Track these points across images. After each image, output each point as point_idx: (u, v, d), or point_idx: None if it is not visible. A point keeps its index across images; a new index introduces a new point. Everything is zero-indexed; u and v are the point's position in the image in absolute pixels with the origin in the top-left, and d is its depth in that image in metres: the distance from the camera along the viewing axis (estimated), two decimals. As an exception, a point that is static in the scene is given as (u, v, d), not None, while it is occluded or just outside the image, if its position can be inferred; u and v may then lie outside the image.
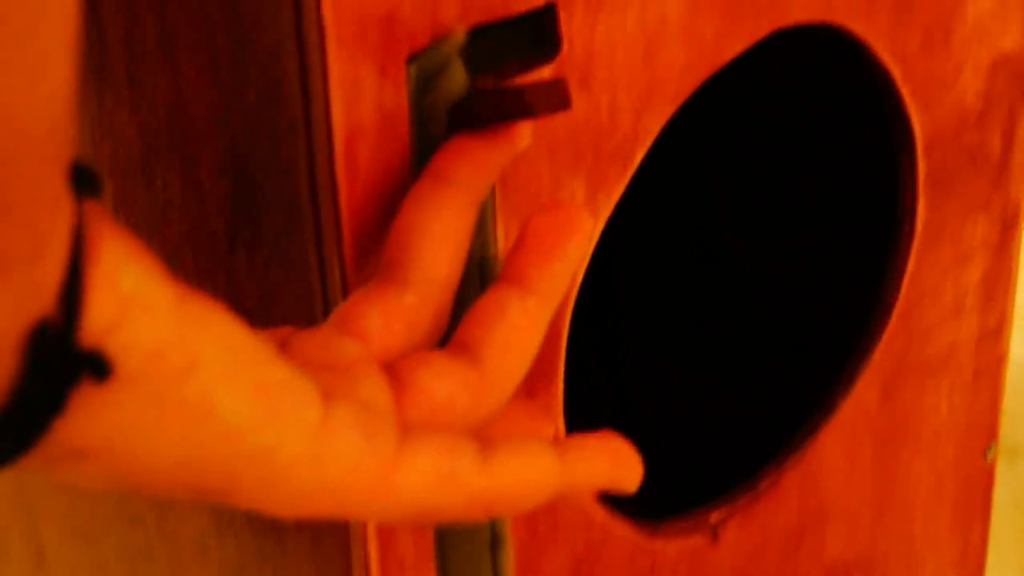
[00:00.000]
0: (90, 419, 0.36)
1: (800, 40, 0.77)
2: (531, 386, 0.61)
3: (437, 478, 0.44)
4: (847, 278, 0.81)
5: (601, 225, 0.60)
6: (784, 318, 0.86)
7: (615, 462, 0.48)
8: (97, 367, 0.35)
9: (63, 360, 0.34)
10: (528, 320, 0.49)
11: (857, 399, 0.76)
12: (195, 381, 0.37)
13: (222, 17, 0.52)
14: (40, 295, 0.33)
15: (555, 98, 0.50)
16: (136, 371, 0.36)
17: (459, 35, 0.52)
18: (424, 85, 0.52)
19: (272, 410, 0.39)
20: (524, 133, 0.51)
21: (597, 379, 0.98)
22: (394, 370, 0.47)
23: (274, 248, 0.55)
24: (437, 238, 0.49)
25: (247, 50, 0.52)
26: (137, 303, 0.35)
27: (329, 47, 0.49)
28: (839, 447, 0.76)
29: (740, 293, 0.89)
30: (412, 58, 0.51)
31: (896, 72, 0.68)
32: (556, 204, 0.50)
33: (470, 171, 0.51)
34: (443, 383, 0.46)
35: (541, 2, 0.54)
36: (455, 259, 0.50)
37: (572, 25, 0.55)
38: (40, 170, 0.31)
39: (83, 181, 0.35)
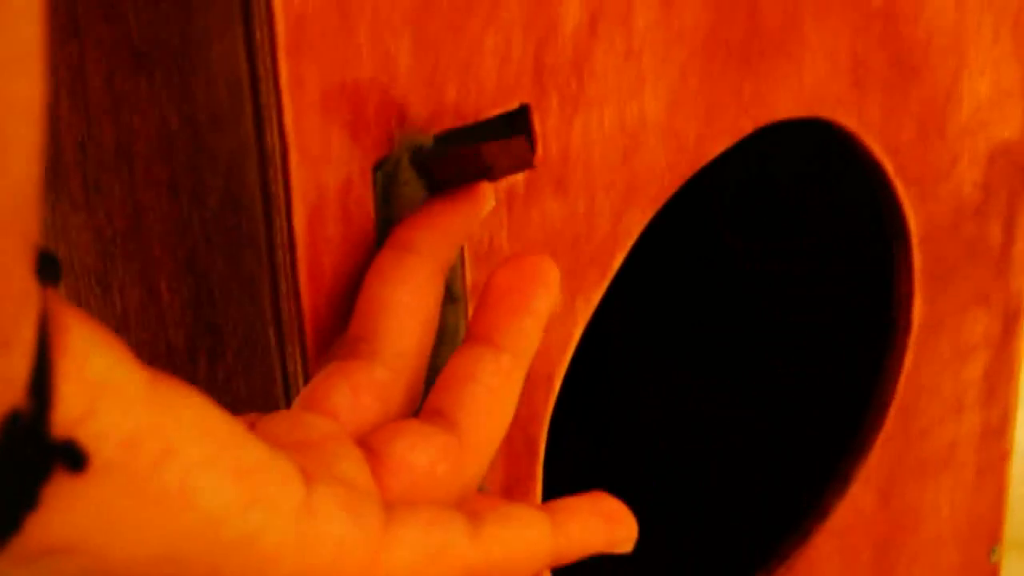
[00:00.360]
0: (65, 513, 0.36)
1: (787, 133, 0.77)
2: (507, 496, 0.60)
3: (427, 553, 0.43)
4: (842, 376, 0.80)
5: (580, 332, 0.60)
6: (777, 418, 0.86)
7: (609, 523, 0.48)
8: (71, 458, 0.35)
9: (35, 452, 0.34)
10: (502, 379, 0.48)
11: (853, 502, 0.76)
12: (173, 467, 0.37)
13: (180, 122, 0.52)
14: (9, 386, 0.33)
15: (515, 157, 0.50)
16: (111, 460, 0.36)
17: (425, 138, 0.52)
18: (389, 192, 0.52)
19: (254, 493, 0.39)
20: (487, 195, 0.51)
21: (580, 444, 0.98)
22: (368, 444, 0.46)
23: (236, 360, 0.55)
24: (403, 309, 0.49)
25: (206, 156, 0.52)
26: (109, 390, 0.35)
27: (291, 154, 0.49)
28: (834, 553, 0.76)
29: (731, 395, 0.89)
30: (378, 165, 0.51)
31: (889, 165, 0.68)
32: (518, 256, 0.50)
33: (433, 238, 0.51)
34: (421, 452, 0.46)
35: (514, 106, 0.54)
36: (424, 329, 0.50)
37: (547, 126, 0.55)
38: (8, 256, 0.31)
39: (46, 268, 0.35)
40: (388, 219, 0.52)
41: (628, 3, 0.55)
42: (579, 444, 0.98)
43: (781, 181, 0.82)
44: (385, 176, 0.51)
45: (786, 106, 0.62)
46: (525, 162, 0.50)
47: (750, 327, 0.87)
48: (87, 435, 0.35)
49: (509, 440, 0.59)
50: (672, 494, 0.93)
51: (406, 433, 0.46)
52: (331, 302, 0.52)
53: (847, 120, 0.65)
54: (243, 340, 0.54)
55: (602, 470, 0.98)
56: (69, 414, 0.35)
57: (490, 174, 0.50)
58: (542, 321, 0.50)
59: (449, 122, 0.52)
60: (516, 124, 0.53)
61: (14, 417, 0.33)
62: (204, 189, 0.53)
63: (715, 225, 0.87)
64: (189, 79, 0.51)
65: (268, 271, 0.52)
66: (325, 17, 0.48)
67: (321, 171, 0.50)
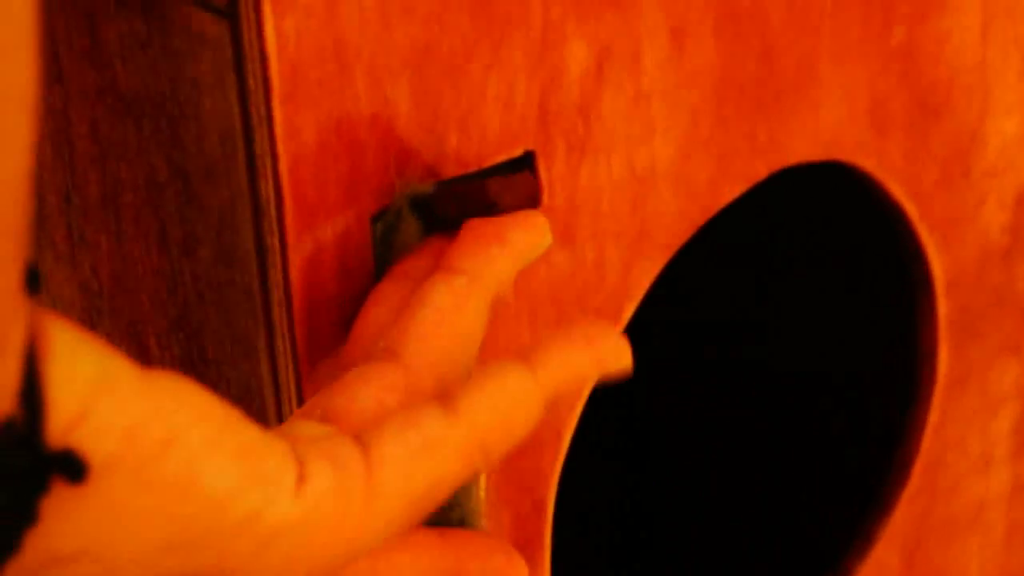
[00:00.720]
0: (67, 524, 0.37)
1: (803, 177, 0.78)
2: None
3: (413, 452, 0.44)
4: (864, 431, 0.81)
5: (588, 388, 0.60)
6: (798, 475, 0.87)
7: (589, 342, 0.47)
8: (70, 469, 0.36)
9: (31, 464, 0.35)
10: (453, 299, 0.49)
11: (876, 563, 0.76)
12: (177, 453, 0.38)
13: (169, 172, 0.53)
14: (2, 394, 0.34)
15: (520, 194, 0.50)
16: (113, 456, 0.37)
17: (426, 187, 0.53)
18: (389, 242, 0.53)
19: (254, 472, 0.40)
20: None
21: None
22: (319, 414, 0.47)
23: (228, 420, 0.55)
24: None
25: (197, 207, 0.53)
26: (101, 387, 0.37)
27: (287, 205, 0.50)
28: (858, 617, 0.77)
29: (750, 451, 0.90)
30: (377, 215, 0.52)
31: (911, 209, 0.69)
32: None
33: (431, 268, 0.52)
34: (364, 398, 0.47)
35: (517, 153, 0.55)
36: None
37: (553, 173, 0.56)
38: (5, 259, 0.32)
39: (30, 275, 0.36)
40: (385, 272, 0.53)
41: (636, 45, 0.56)
42: (590, 508, 0.99)
43: (798, 227, 0.82)
44: (385, 226, 0.52)
45: (802, 150, 0.63)
46: (530, 200, 0.51)
47: (767, 380, 0.88)
48: (84, 436, 0.36)
49: (516, 502, 0.60)
50: (689, 555, 0.94)
51: (344, 386, 0.47)
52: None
53: (867, 163, 0.66)
54: (237, 400, 0.55)
55: (614, 533, 0.98)
56: (63, 418, 0.36)
57: (494, 213, 0.51)
58: (514, 251, 0.50)
59: (451, 170, 0.53)
60: (520, 165, 0.54)
61: (7, 427, 0.34)
62: (195, 241, 0.54)
63: (728, 275, 0.88)
64: (179, 127, 0.52)
65: (264, 327, 0.52)
66: (321, 63, 0.49)
67: (318, 223, 0.51)
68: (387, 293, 0.51)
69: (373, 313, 0.51)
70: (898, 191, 0.68)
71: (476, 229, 0.51)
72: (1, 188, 0.31)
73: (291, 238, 0.50)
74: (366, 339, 0.51)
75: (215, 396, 0.40)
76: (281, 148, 0.49)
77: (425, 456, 0.44)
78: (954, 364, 0.75)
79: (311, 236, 0.51)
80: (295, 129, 0.49)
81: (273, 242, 0.51)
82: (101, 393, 0.37)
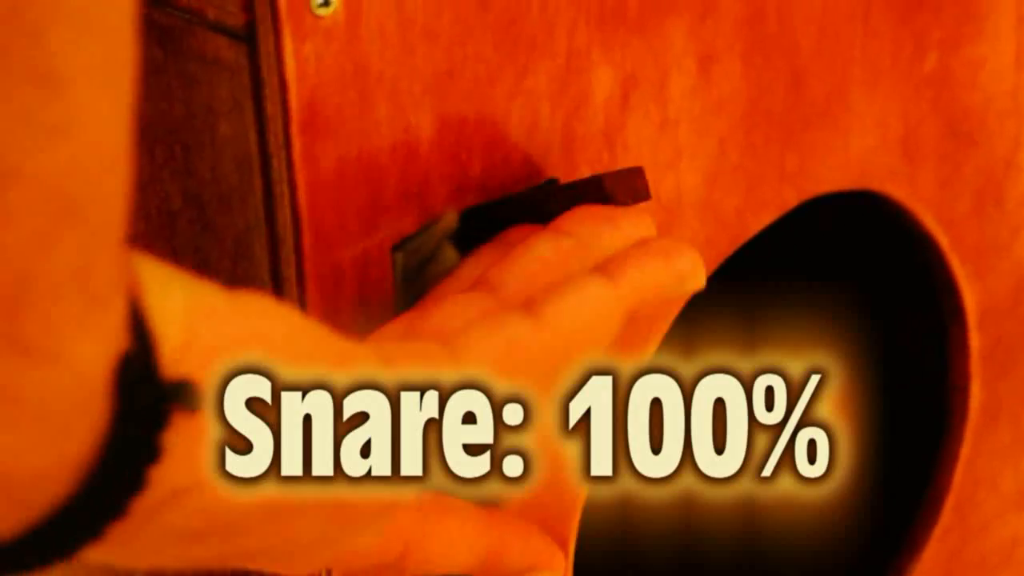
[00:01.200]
0: (187, 454, 0.38)
1: (834, 205, 0.78)
2: None
3: (496, 356, 0.46)
4: (894, 467, 0.81)
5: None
6: (826, 513, 0.87)
7: (667, 257, 0.49)
8: (187, 398, 0.37)
9: (153, 397, 0.36)
10: (559, 256, 0.50)
11: (907, 603, 0.76)
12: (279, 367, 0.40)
13: (183, 200, 0.53)
14: (118, 331, 0.35)
15: (634, 187, 0.52)
16: (221, 380, 0.39)
17: (450, 217, 0.53)
18: (414, 273, 0.53)
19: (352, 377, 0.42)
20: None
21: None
22: (409, 333, 0.49)
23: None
24: None
25: (212, 236, 0.53)
26: (198, 313, 0.38)
27: (305, 235, 0.50)
28: (887, 659, 0.77)
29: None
30: (398, 245, 0.52)
31: (943, 239, 0.69)
32: None
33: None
34: (454, 319, 0.48)
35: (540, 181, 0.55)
36: None
37: (577, 201, 0.56)
38: (121, 214, 0.34)
39: None
40: (409, 302, 0.53)
41: (663, 72, 0.56)
42: (609, 549, 0.99)
43: (827, 257, 0.82)
44: (408, 256, 0.52)
45: (832, 178, 0.63)
46: (642, 193, 0.52)
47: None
48: (193, 363, 0.38)
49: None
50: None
51: (439, 308, 0.48)
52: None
53: (898, 192, 0.66)
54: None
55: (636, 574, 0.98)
56: (171, 347, 0.37)
57: (610, 203, 0.52)
58: (623, 235, 0.51)
59: (474, 198, 0.53)
60: (546, 199, 0.54)
61: (127, 362, 0.36)
62: (209, 271, 0.54)
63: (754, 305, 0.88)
64: (193, 154, 0.52)
65: (278, 359, 0.53)
66: (341, 89, 0.49)
67: (337, 252, 0.51)
68: (485, 254, 0.52)
69: (471, 264, 0.52)
70: (930, 220, 0.68)
71: (589, 208, 0.51)
72: (118, 131, 0.33)
73: (309, 268, 0.51)
74: (461, 282, 0.52)
75: (295, 310, 0.42)
76: (299, 176, 0.49)
77: (507, 358, 0.46)
78: (986, 398, 0.75)
79: (329, 266, 0.51)
80: (314, 156, 0.49)
81: (290, 272, 0.51)
82: (200, 319, 0.38)
